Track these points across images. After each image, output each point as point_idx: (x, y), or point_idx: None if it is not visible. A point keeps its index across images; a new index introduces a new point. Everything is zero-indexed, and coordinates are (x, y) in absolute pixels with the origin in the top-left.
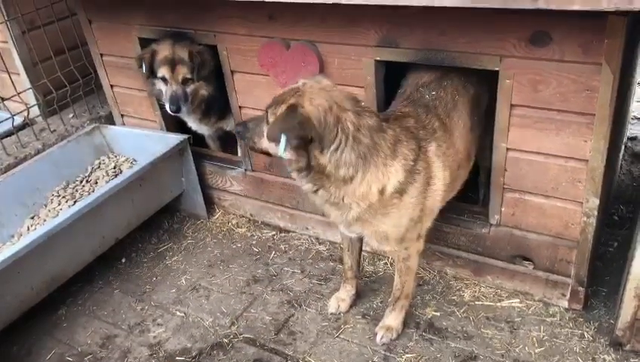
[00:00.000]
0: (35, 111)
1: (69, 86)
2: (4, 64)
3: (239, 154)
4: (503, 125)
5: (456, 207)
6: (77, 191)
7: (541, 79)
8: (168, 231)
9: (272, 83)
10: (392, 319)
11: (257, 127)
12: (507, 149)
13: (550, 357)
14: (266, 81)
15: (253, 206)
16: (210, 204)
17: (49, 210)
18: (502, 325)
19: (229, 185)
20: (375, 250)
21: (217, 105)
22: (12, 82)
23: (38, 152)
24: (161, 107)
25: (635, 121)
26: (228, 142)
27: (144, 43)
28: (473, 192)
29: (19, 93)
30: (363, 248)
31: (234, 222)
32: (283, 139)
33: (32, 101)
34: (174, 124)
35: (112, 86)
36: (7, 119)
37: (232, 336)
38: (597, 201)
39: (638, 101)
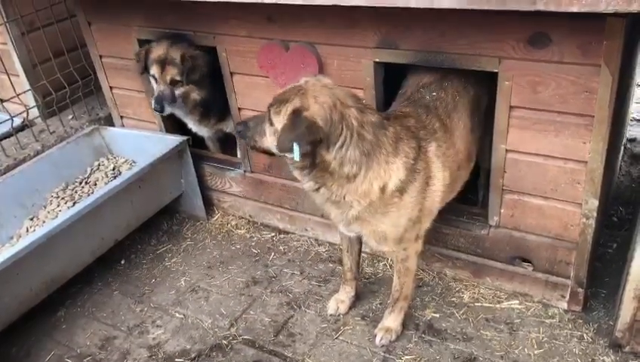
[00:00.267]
0: (34, 112)
1: (69, 87)
2: (4, 65)
3: (239, 155)
4: (502, 127)
5: (456, 209)
6: (76, 192)
7: (540, 81)
8: (167, 232)
9: (272, 84)
10: (392, 320)
11: (258, 126)
12: (506, 151)
13: (549, 359)
14: (265, 83)
15: (252, 207)
16: (209, 205)
17: (48, 212)
18: (501, 326)
19: (229, 187)
20: (374, 252)
21: (217, 107)
22: (11, 84)
23: (38, 154)
24: None
25: (634, 122)
26: (227, 143)
27: (143, 44)
28: (472, 194)
29: (18, 95)
30: (362, 249)
31: (233, 223)
32: (296, 147)
33: (32, 102)
34: (174, 125)
35: (111, 87)
36: (6, 120)
37: (231, 338)
38: (596, 203)
39: (637, 102)
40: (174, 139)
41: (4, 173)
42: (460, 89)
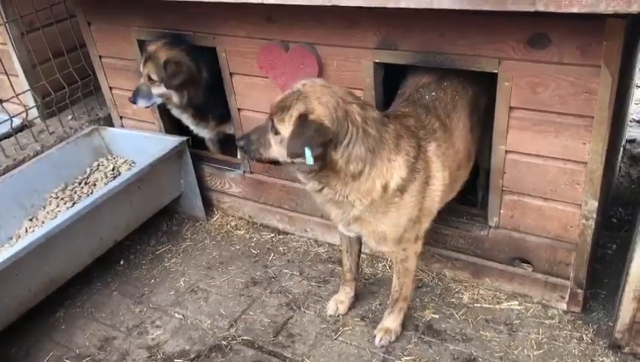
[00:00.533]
0: (33, 112)
1: (68, 88)
2: (3, 66)
3: (238, 156)
4: (502, 127)
5: (455, 209)
6: (75, 192)
7: (540, 81)
8: (167, 233)
9: (271, 85)
10: (391, 321)
11: (261, 137)
12: (506, 151)
13: (549, 360)
14: (264, 83)
15: (251, 208)
16: (208, 205)
17: (47, 212)
18: (501, 327)
19: (228, 187)
20: (374, 252)
21: (215, 110)
22: (11, 84)
23: (37, 154)
24: (160, 108)
25: (634, 123)
26: (227, 144)
27: (143, 45)
28: (472, 194)
29: (17, 95)
30: (362, 250)
31: (233, 224)
32: (307, 151)
33: (31, 103)
34: (173, 125)
35: (110, 88)
36: (5, 121)
37: (230, 338)
38: (596, 204)
39: (636, 103)
40: (174, 140)
41: (4, 174)
42: (459, 89)
